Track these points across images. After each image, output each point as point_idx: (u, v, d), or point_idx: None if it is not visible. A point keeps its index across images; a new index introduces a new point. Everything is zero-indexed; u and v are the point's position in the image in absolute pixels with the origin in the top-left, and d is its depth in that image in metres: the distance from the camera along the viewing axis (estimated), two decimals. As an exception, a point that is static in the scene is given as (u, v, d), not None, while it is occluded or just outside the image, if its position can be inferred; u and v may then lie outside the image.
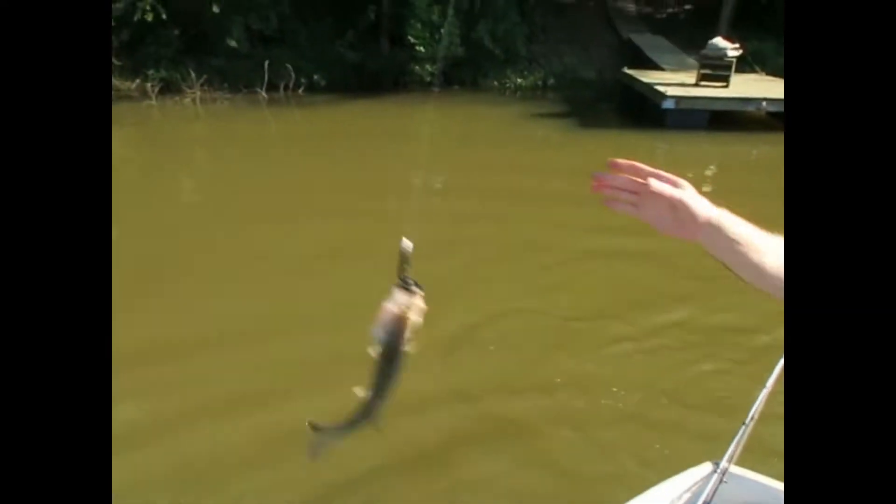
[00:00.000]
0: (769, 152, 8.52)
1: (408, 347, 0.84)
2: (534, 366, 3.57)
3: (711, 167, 8.47)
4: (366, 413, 0.89)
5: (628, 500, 1.62)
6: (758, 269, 0.74)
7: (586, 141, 9.61)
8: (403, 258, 0.86)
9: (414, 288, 0.85)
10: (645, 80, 10.95)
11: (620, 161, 0.82)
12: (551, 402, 3.25)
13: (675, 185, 0.80)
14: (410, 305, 0.84)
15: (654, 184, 0.79)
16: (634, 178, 0.82)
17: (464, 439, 2.95)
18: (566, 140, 9.82)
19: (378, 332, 0.84)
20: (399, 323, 0.83)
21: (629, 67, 12.16)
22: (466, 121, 10.78)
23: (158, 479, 2.64)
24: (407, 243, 0.86)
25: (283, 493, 2.60)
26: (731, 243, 0.76)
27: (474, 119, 11.13)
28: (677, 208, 0.78)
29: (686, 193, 0.79)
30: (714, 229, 0.77)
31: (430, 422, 2.99)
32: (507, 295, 4.39)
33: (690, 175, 7.86)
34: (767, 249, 0.74)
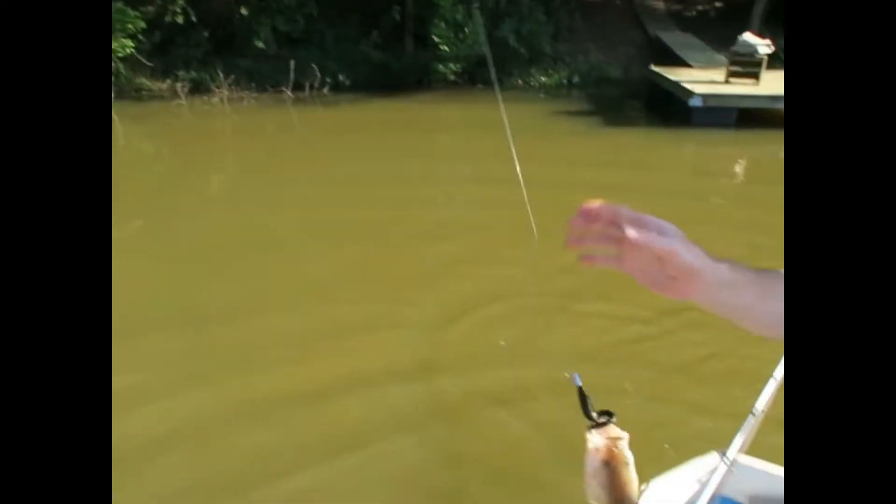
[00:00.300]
0: (799, 150, 8.32)
1: (634, 489, 0.71)
2: (537, 347, 3.59)
3: (739, 165, 8.30)
4: None
5: None
6: (763, 322, 0.66)
7: (612, 137, 9.51)
8: (581, 394, 0.75)
9: (604, 419, 0.74)
10: (672, 77, 10.78)
11: (592, 205, 0.67)
12: (552, 383, 3.24)
13: (660, 231, 0.64)
14: (615, 444, 0.71)
15: (633, 233, 0.63)
16: (612, 224, 0.67)
17: (459, 420, 2.99)
18: (591, 136, 9.73)
19: (594, 489, 0.72)
20: (614, 471, 0.71)
21: (656, 65, 12.00)
22: (490, 117, 10.80)
23: (158, 441, 2.78)
24: (577, 378, 0.76)
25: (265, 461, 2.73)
26: (734, 299, 0.65)
27: (498, 115, 11.12)
28: (665, 262, 0.64)
29: (675, 242, 0.64)
30: (714, 288, 0.64)
31: (421, 402, 3.09)
32: (515, 278, 4.41)
33: (722, 175, 7.79)
34: (771, 296, 0.64)
